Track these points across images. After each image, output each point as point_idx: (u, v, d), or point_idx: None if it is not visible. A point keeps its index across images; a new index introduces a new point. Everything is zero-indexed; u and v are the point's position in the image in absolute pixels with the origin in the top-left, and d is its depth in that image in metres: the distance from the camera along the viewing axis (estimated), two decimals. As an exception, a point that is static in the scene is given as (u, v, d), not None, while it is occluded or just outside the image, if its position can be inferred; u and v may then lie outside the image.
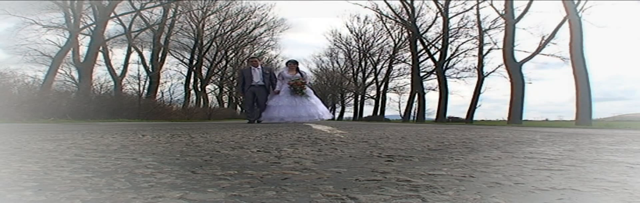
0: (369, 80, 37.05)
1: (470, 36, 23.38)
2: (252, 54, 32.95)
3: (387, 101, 34.92)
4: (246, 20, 30.72)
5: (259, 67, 9.65)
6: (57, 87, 17.06)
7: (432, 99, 38.41)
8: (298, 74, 9.75)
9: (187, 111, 20.86)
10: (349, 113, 39.54)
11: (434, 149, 1.76)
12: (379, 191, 0.80)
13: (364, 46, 35.09)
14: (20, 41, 17.49)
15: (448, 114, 23.41)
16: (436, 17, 24.65)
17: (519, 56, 18.34)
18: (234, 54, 34.12)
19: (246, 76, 9.52)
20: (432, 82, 26.48)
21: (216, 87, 33.98)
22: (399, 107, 34.54)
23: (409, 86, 28.24)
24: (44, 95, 12.19)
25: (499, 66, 20.78)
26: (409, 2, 24.72)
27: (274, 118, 9.47)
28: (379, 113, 33.65)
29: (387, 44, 33.00)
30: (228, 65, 34.10)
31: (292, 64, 10.01)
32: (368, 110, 37.25)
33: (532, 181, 0.92)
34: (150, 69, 24.92)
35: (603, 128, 6.62)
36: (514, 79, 17.73)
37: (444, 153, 1.59)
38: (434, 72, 24.60)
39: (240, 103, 32.99)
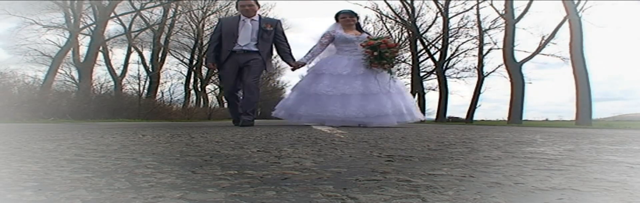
0: (369, 80, 37.03)
1: (470, 36, 23.42)
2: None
3: (387, 101, 34.93)
4: (246, 20, 30.69)
5: (256, 17, 5.17)
6: (57, 87, 17.11)
7: (432, 99, 38.36)
8: (364, 35, 5.46)
9: (187, 111, 20.88)
10: (349, 113, 39.46)
11: (434, 149, 1.76)
12: (379, 191, 0.79)
13: (364, 46, 35.07)
14: (21, 41, 17.60)
15: (448, 114, 23.48)
16: (436, 17, 24.67)
17: (519, 56, 18.41)
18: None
19: (226, 32, 5.08)
20: (432, 82, 26.49)
21: (216, 87, 34.00)
22: (399, 107, 34.57)
23: (409, 86, 28.23)
24: (44, 95, 12.20)
25: (499, 66, 20.83)
26: (409, 2, 24.74)
27: (325, 117, 5.04)
28: (379, 113, 33.64)
29: (387, 44, 33.02)
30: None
31: (350, 17, 5.42)
32: (368, 110, 37.24)
33: (532, 181, 0.92)
34: (150, 69, 24.94)
35: (603, 128, 6.62)
36: (514, 79, 17.76)
37: (444, 153, 1.59)
38: (434, 72, 24.62)
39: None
